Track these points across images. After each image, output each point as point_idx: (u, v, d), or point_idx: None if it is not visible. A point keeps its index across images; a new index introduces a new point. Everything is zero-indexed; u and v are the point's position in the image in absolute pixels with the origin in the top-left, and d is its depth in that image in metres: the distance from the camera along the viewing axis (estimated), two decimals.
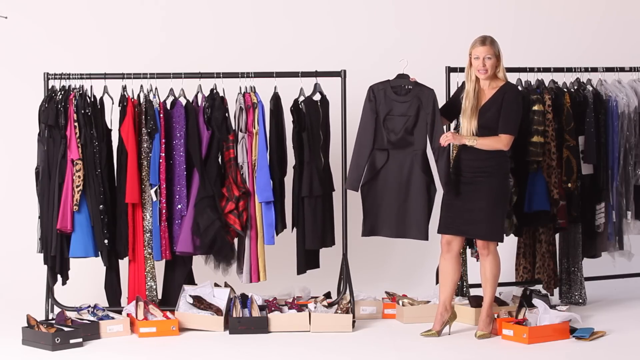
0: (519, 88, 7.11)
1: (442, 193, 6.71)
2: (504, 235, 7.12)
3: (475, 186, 6.58)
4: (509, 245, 7.56)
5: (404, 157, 6.80)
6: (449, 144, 6.68)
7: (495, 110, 6.53)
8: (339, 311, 6.94)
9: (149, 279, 7.10)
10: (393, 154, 6.82)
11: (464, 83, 6.72)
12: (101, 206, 6.97)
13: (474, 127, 6.56)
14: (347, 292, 7.11)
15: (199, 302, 6.94)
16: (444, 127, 6.85)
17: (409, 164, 6.79)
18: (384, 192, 6.84)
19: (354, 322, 6.89)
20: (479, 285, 6.89)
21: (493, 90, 6.57)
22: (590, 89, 7.48)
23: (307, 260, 7.23)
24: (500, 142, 6.52)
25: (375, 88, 6.86)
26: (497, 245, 6.69)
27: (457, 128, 7.02)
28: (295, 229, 7.20)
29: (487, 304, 6.70)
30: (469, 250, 7.41)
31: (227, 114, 7.13)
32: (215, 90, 7.14)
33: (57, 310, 7.07)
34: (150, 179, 7.03)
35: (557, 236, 7.60)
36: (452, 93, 7.30)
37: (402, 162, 6.81)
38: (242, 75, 7.13)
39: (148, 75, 7.10)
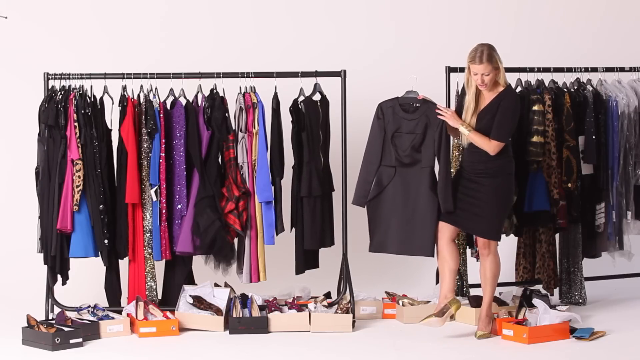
0: (518, 92, 7.09)
1: None
2: (504, 235, 7.14)
3: (478, 185, 6.59)
4: (509, 245, 7.57)
5: (412, 175, 6.76)
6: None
7: (490, 117, 6.53)
8: (339, 311, 6.94)
9: (149, 279, 7.10)
10: (400, 171, 6.78)
11: (464, 88, 6.71)
12: (101, 206, 6.97)
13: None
14: (347, 292, 7.11)
15: (199, 302, 6.95)
16: (453, 140, 6.85)
17: (416, 181, 6.74)
18: (390, 208, 6.79)
19: (354, 322, 6.89)
20: (479, 285, 6.89)
21: (493, 95, 6.56)
22: (590, 89, 7.48)
23: (306, 260, 7.23)
24: (489, 147, 6.52)
25: (383, 106, 6.81)
26: (497, 245, 6.69)
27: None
28: (294, 229, 7.20)
29: (487, 303, 6.71)
30: (469, 250, 7.41)
31: (227, 114, 7.13)
32: (215, 90, 7.14)
33: (57, 310, 7.07)
34: (150, 179, 7.03)
35: (557, 236, 7.61)
36: (451, 93, 7.32)
37: (410, 179, 6.76)
38: (242, 75, 7.13)
39: (148, 75, 7.10)
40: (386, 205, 6.81)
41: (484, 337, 6.65)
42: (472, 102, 6.57)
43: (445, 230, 6.69)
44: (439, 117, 6.62)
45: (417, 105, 6.75)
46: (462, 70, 6.87)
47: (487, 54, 6.47)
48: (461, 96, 6.76)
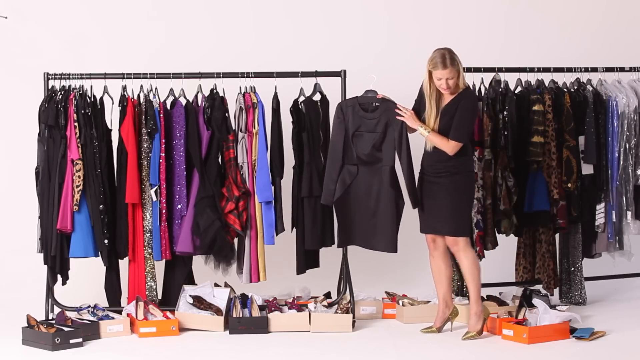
0: (476, 94, 7.06)
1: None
2: (503, 235, 7.13)
3: (439, 185, 6.60)
4: (509, 245, 7.57)
5: (373, 173, 6.82)
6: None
7: (449, 118, 6.53)
8: (339, 311, 6.94)
9: (149, 279, 7.10)
10: (362, 169, 6.85)
11: (421, 91, 6.66)
12: (101, 206, 6.97)
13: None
14: (347, 292, 7.12)
15: (199, 302, 6.95)
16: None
17: (377, 179, 6.81)
18: (355, 205, 6.87)
19: (354, 322, 6.89)
20: None
21: (452, 95, 6.55)
22: (590, 89, 7.48)
23: (307, 260, 7.23)
24: (448, 147, 6.52)
25: (343, 105, 6.89)
26: (467, 240, 6.67)
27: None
28: (294, 229, 7.20)
29: (472, 300, 6.67)
30: None
31: (227, 114, 7.13)
32: (215, 90, 7.14)
33: (57, 310, 7.07)
34: (150, 179, 7.03)
35: (557, 236, 7.61)
36: None
37: (371, 177, 6.83)
38: (242, 75, 7.13)
39: (148, 75, 7.10)
40: (350, 203, 6.87)
41: (469, 338, 6.61)
42: (433, 107, 6.56)
43: (439, 242, 6.71)
44: (398, 117, 6.65)
45: (377, 104, 6.81)
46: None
47: (449, 57, 6.46)
48: (418, 99, 6.71)
